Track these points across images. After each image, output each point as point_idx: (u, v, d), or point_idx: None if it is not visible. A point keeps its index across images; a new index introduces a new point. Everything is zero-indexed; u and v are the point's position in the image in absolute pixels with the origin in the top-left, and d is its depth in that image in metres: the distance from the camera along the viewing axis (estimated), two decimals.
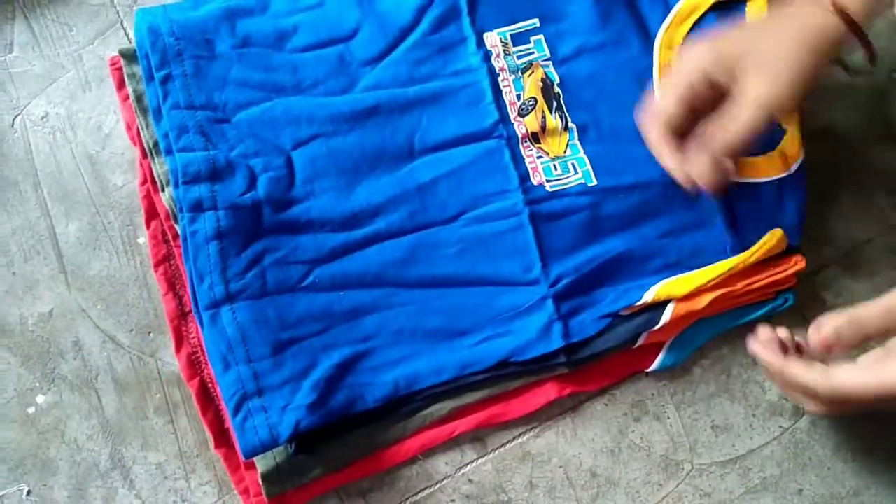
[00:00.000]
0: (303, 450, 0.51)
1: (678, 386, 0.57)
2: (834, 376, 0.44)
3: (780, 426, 0.57)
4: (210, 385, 0.55)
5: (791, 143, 0.56)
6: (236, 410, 0.50)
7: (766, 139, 0.56)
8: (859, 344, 0.45)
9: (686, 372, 0.57)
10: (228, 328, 0.51)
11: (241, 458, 0.51)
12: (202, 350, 0.55)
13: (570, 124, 0.57)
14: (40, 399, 0.57)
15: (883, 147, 0.60)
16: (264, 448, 0.50)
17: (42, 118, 0.59)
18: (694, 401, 0.57)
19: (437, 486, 0.56)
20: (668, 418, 0.57)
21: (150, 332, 0.57)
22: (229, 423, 0.54)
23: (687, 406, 0.57)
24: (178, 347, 0.56)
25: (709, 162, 0.47)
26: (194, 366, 0.55)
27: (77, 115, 0.60)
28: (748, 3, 0.57)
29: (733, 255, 0.55)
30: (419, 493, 0.55)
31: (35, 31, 0.60)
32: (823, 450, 0.57)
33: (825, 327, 0.45)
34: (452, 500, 0.55)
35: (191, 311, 0.56)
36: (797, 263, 0.54)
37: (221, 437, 0.55)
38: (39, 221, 0.58)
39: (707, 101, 0.48)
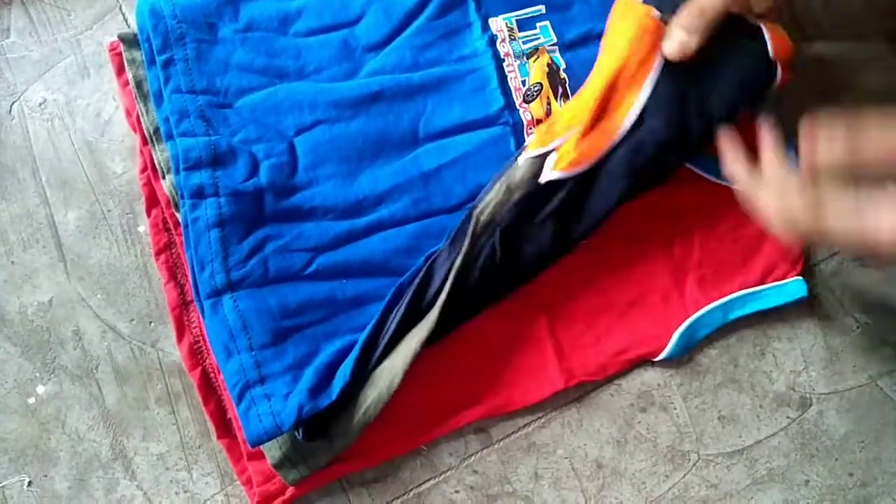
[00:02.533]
0: (312, 436, 0.50)
1: (685, 376, 0.56)
2: (822, 209, 0.38)
3: (788, 417, 0.56)
4: (212, 375, 0.55)
5: None
6: (239, 399, 0.50)
7: None
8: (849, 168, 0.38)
9: (693, 362, 0.57)
10: (230, 316, 0.50)
11: (248, 446, 0.51)
12: (204, 339, 0.54)
13: None
14: (40, 389, 0.56)
15: None
16: (269, 436, 0.49)
17: (40, 105, 0.59)
18: (701, 391, 0.56)
19: (442, 476, 0.55)
20: (675, 409, 0.56)
21: (150, 322, 0.57)
22: (231, 413, 0.53)
23: (694, 396, 0.56)
24: (180, 337, 0.55)
25: None
26: (196, 355, 0.55)
27: (75, 101, 0.59)
28: None
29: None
30: (423, 483, 0.55)
31: (32, 15, 0.59)
32: (831, 441, 0.56)
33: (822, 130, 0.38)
34: (457, 491, 0.55)
35: (192, 301, 0.55)
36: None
37: (223, 428, 0.54)
38: (38, 210, 0.58)
39: None
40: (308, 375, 0.50)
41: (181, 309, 0.55)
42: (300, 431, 0.50)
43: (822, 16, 0.60)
